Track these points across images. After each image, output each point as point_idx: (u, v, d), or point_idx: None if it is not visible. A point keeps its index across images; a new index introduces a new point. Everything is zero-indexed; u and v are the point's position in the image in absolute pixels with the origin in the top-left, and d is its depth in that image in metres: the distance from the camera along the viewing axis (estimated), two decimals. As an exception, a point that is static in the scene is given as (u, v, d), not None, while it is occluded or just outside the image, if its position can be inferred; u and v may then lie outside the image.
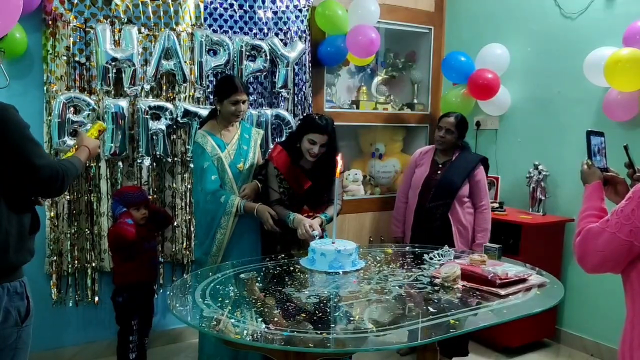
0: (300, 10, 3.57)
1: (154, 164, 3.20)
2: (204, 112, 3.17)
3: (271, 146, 3.33)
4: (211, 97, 3.25)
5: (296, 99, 3.59)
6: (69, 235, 2.99)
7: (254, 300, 1.96)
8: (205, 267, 2.72)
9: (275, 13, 3.50)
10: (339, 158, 2.45)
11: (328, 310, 1.88)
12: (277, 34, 3.49)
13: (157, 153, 3.14)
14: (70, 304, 3.09)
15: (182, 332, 3.43)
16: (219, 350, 2.66)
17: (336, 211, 2.63)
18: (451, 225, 3.10)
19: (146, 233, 2.84)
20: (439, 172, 3.18)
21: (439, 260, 2.45)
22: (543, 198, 3.54)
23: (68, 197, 2.97)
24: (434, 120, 4.35)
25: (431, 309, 1.87)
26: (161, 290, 3.25)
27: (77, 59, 2.95)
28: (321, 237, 2.59)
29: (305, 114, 3.16)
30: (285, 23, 3.53)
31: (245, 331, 1.67)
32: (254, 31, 3.44)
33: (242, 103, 2.69)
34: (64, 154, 2.86)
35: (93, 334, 3.18)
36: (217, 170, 2.68)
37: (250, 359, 2.71)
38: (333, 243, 2.34)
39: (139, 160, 3.12)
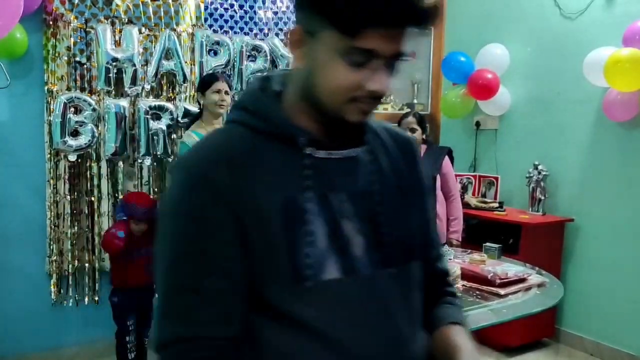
0: (300, 11, 3.58)
1: (155, 164, 3.20)
2: (204, 112, 3.19)
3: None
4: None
5: (296, 99, 3.60)
6: (69, 235, 2.99)
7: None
8: None
9: (275, 13, 3.51)
10: None
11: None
12: (277, 34, 3.49)
13: (158, 153, 3.14)
14: (71, 304, 3.09)
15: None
16: None
17: None
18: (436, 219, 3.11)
19: (143, 241, 2.75)
20: None
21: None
22: (543, 198, 3.54)
23: (69, 197, 2.97)
24: (434, 120, 4.36)
25: (431, 309, 1.87)
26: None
27: (77, 59, 2.95)
28: None
29: None
30: (285, 23, 3.53)
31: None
32: (255, 31, 3.44)
33: (225, 93, 2.74)
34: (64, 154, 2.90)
35: (93, 334, 3.17)
36: None
37: None
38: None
39: (139, 160, 3.13)
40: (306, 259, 0.78)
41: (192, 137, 2.73)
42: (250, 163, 0.80)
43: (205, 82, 2.76)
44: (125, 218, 2.77)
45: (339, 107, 0.78)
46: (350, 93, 0.77)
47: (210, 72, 3.06)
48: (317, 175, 0.81)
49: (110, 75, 2.97)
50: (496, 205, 3.65)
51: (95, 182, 3.02)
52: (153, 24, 3.12)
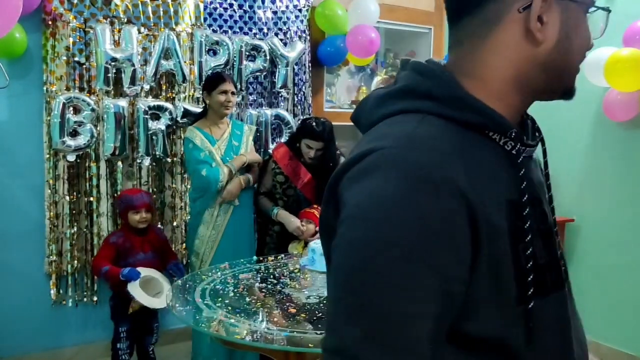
0: (300, 10, 3.57)
1: (154, 164, 3.19)
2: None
3: (271, 146, 3.34)
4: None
5: (296, 99, 3.59)
6: (68, 236, 2.99)
7: (253, 300, 1.96)
8: (196, 259, 2.81)
9: (275, 13, 3.50)
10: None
11: (328, 310, 1.87)
12: (276, 34, 3.49)
13: (157, 153, 3.14)
14: (70, 304, 3.08)
15: (182, 332, 3.42)
16: (214, 351, 2.66)
17: None
18: None
19: (139, 246, 2.72)
20: None
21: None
22: (543, 198, 3.54)
23: (68, 197, 2.96)
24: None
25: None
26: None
27: (76, 59, 2.95)
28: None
29: (303, 118, 3.20)
30: (285, 23, 3.53)
31: (245, 331, 1.66)
32: (254, 31, 3.44)
33: (231, 94, 2.75)
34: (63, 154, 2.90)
35: (92, 335, 3.17)
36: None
37: (247, 358, 2.72)
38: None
39: (138, 161, 3.12)
40: (530, 276, 0.65)
41: (194, 132, 2.78)
42: (468, 161, 0.63)
43: (212, 83, 2.76)
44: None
45: (577, 72, 0.72)
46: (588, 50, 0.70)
47: (217, 72, 3.03)
48: (527, 176, 0.69)
49: (109, 75, 2.96)
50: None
51: (94, 182, 3.02)
52: (152, 24, 3.12)
